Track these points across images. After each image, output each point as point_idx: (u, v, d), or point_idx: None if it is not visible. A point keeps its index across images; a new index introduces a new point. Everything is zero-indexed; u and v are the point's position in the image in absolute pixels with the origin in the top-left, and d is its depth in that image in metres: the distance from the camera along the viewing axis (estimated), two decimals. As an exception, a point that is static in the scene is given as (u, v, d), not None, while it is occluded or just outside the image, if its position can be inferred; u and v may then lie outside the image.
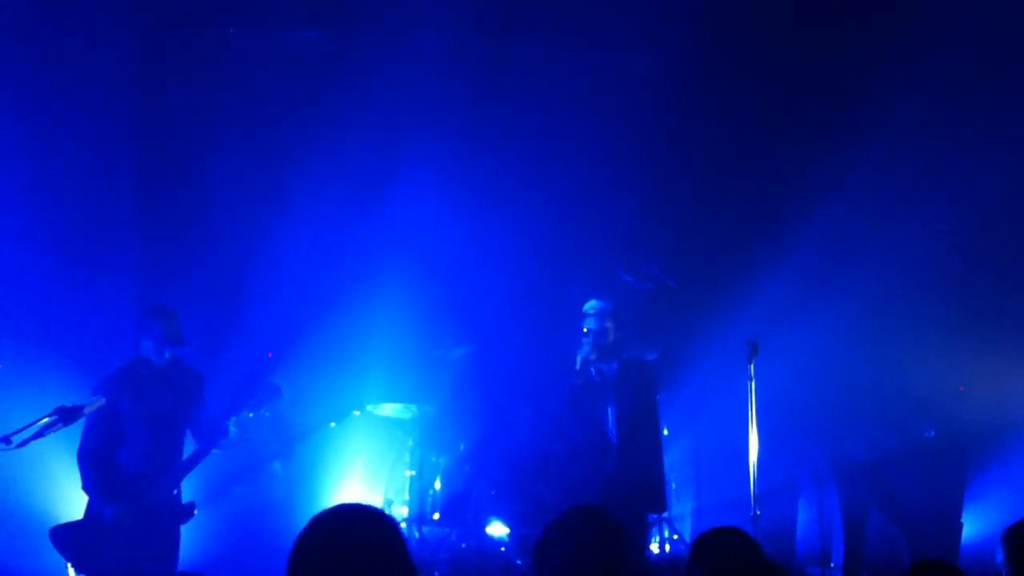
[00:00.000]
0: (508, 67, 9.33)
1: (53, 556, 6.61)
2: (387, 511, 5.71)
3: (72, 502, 7.20)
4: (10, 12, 8.57)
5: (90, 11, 8.79)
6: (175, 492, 6.82)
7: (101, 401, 6.65)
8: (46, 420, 6.34)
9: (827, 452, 8.57)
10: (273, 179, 9.40)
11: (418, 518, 8.67)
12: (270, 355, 9.17)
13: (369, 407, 9.08)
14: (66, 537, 6.59)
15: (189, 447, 6.99)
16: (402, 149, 9.28)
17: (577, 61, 9.40)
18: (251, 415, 6.92)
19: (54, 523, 6.78)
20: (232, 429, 6.78)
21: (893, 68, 8.74)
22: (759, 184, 9.38)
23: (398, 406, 9.07)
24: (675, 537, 8.73)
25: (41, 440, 6.33)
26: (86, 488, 6.76)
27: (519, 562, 8.07)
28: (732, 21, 8.78)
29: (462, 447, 8.82)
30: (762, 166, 9.37)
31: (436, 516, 8.73)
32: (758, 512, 6.96)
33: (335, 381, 9.16)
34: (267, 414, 7.62)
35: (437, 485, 8.79)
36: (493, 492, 8.52)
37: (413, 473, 8.84)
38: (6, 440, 6.17)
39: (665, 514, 8.45)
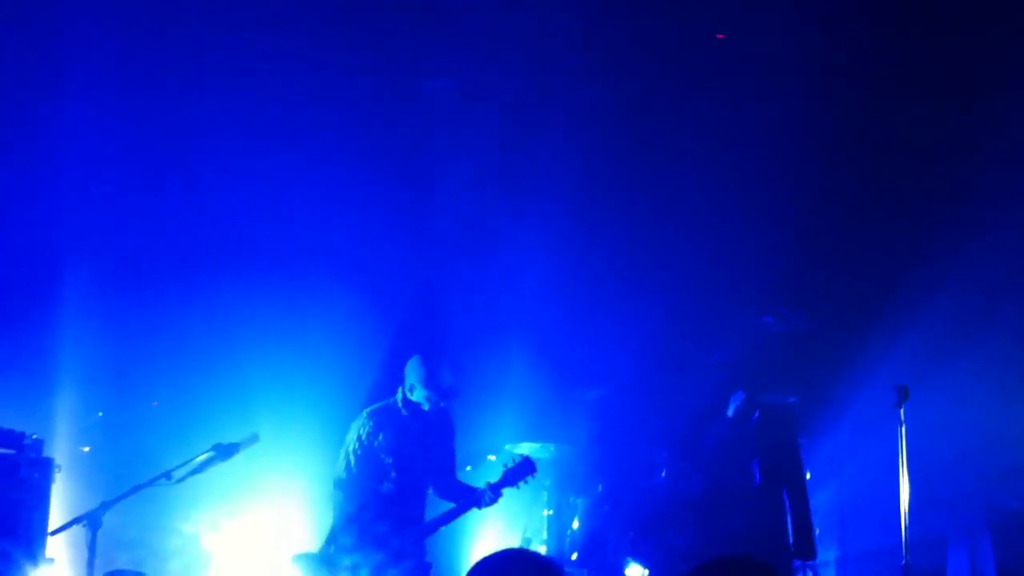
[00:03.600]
0: (648, 118, 9.35)
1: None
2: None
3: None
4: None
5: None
6: (419, 547, 6.93)
7: (256, 439, 6.86)
8: (204, 456, 6.59)
9: (980, 503, 8.33)
10: (425, 223, 9.59)
11: (556, 558, 8.69)
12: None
13: (507, 446, 9.12)
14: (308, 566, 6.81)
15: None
16: (539, 193, 9.36)
17: (726, 110, 9.35)
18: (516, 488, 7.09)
19: None
20: (492, 496, 7.00)
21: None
22: (909, 226, 9.20)
23: (536, 445, 9.08)
24: (819, 585, 8.56)
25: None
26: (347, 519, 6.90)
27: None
28: (884, 74, 8.68)
29: (600, 488, 8.82)
30: (913, 207, 9.19)
31: (574, 556, 8.73)
32: (907, 562, 6.78)
33: (472, 424, 9.23)
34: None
35: (575, 525, 8.80)
36: (630, 535, 8.48)
37: (551, 512, 8.86)
38: (167, 476, 6.44)
39: (810, 561, 8.29)
